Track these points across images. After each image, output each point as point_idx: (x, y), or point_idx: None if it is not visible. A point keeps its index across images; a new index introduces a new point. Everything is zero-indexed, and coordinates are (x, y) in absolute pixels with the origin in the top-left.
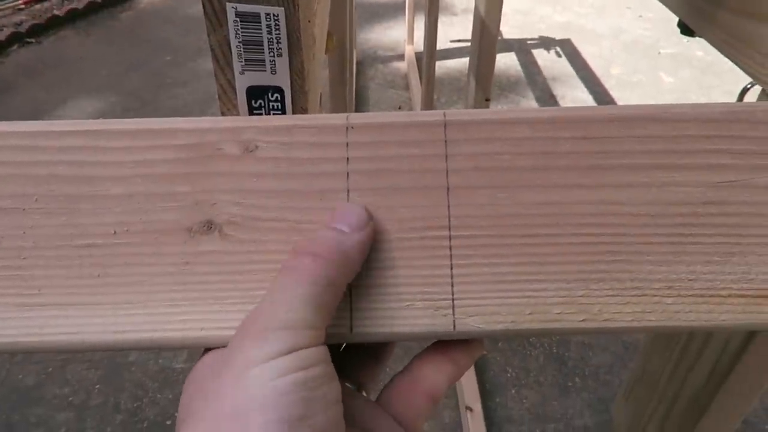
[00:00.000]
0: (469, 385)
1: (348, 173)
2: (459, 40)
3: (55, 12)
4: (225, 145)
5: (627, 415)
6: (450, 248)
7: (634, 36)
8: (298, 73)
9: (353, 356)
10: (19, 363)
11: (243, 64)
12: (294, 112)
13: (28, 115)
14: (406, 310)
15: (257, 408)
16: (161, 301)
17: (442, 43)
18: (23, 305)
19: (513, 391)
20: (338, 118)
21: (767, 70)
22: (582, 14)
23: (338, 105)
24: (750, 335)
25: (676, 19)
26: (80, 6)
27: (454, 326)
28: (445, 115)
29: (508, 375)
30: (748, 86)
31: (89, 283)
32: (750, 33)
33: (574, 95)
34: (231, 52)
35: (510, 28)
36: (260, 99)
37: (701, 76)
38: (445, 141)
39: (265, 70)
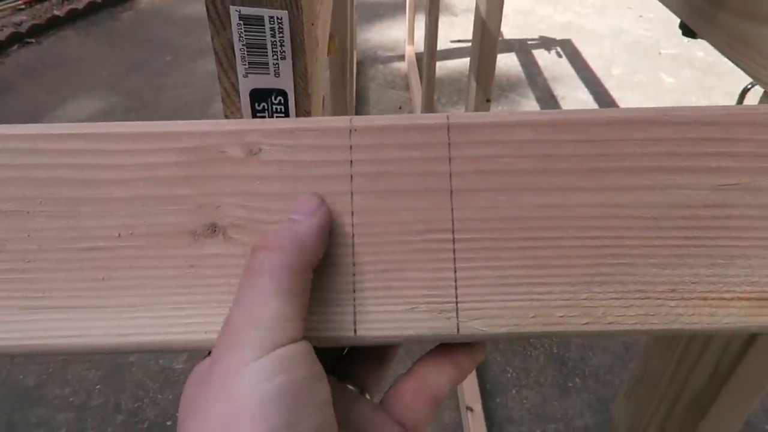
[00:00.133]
0: (469, 385)
1: (351, 176)
2: (459, 41)
3: (55, 12)
4: (228, 147)
5: (628, 415)
6: (454, 251)
7: (634, 36)
8: (301, 76)
9: (356, 359)
10: (20, 363)
11: (246, 67)
12: (297, 115)
13: (28, 115)
14: (410, 313)
15: (245, 421)
16: (165, 304)
17: (442, 44)
18: (28, 308)
19: (513, 392)
20: (342, 121)
21: None
22: (583, 14)
23: (339, 106)
24: (752, 337)
25: (677, 19)
26: (80, 6)
27: (458, 329)
28: (448, 118)
29: (509, 375)
30: (749, 87)
31: (93, 286)
32: (751, 34)
33: (575, 96)
34: (234, 55)
35: (510, 28)
36: (263, 102)
37: (702, 76)
38: (449, 144)
39: (268, 73)
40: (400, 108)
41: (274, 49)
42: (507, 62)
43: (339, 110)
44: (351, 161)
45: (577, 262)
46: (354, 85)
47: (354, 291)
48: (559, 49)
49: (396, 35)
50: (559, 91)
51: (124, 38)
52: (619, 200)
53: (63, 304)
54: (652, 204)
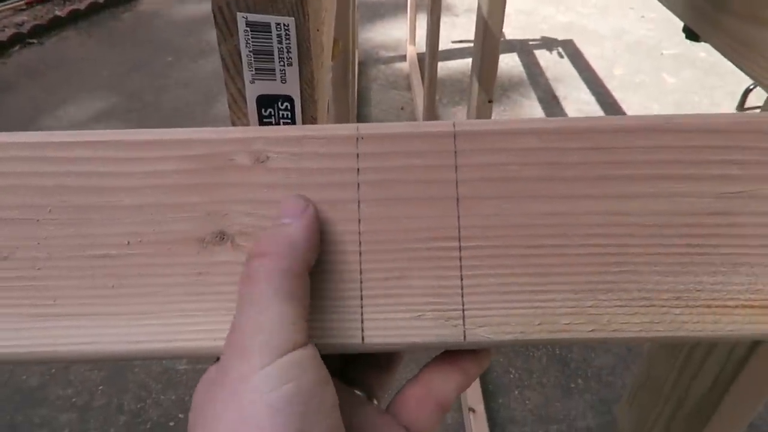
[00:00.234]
0: (472, 386)
1: (358, 184)
2: (461, 41)
3: (57, 13)
4: (236, 155)
5: (631, 420)
6: (460, 259)
7: (636, 37)
8: (307, 82)
9: (363, 365)
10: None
11: (253, 73)
12: (304, 121)
13: (30, 115)
14: (416, 320)
15: (255, 431)
16: (175, 311)
17: (444, 44)
18: (38, 315)
19: (516, 393)
20: (348, 129)
21: None
22: (584, 15)
23: (341, 107)
24: (754, 344)
25: (679, 20)
26: (82, 7)
27: (465, 336)
28: (454, 126)
29: (511, 376)
30: (751, 87)
31: (103, 293)
32: (754, 37)
33: (577, 96)
34: (241, 62)
35: (512, 28)
36: (270, 108)
37: (704, 76)
38: (455, 152)
39: (275, 79)
40: (402, 108)
41: (280, 56)
42: (509, 62)
43: (341, 111)
44: (358, 169)
45: (582, 269)
46: (356, 86)
47: (361, 298)
48: (560, 50)
49: (397, 35)
50: (560, 91)
51: (125, 39)
52: (623, 208)
53: (73, 311)
54: (657, 212)
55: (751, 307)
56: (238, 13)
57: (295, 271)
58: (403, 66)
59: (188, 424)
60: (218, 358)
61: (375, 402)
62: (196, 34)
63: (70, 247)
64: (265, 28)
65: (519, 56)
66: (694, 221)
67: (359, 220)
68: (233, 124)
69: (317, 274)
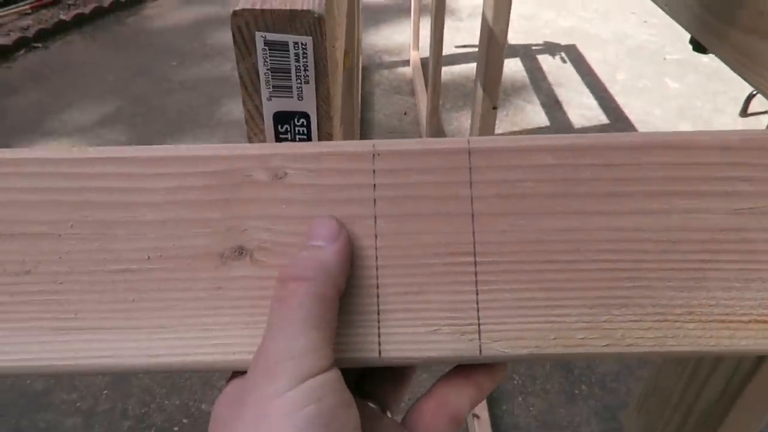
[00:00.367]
0: None
1: (375, 200)
2: (464, 46)
3: (62, 17)
4: (254, 172)
5: (639, 428)
6: (475, 274)
7: (639, 41)
8: (324, 99)
9: (377, 377)
10: None
11: (271, 90)
12: (320, 137)
13: (35, 119)
14: (433, 334)
15: None
16: (194, 325)
17: (447, 49)
18: (59, 329)
19: (520, 399)
20: (365, 146)
21: None
22: (587, 19)
23: (345, 113)
24: (761, 357)
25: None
26: (87, 11)
27: (480, 351)
28: (469, 142)
29: (515, 382)
30: (754, 93)
31: (124, 307)
32: (762, 51)
33: (580, 101)
34: (259, 80)
35: (515, 33)
36: (286, 124)
37: (707, 81)
38: (470, 168)
39: (292, 97)
40: (405, 113)
41: (297, 74)
42: (511, 67)
43: (345, 116)
44: (374, 185)
45: (596, 284)
46: (359, 91)
47: (378, 313)
48: (563, 54)
49: (400, 40)
50: (563, 96)
51: (129, 43)
52: (636, 224)
53: (94, 325)
54: (670, 228)
55: (765, 322)
56: (256, 33)
57: (328, 297)
58: (406, 71)
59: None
60: (234, 373)
61: (389, 414)
62: (200, 38)
63: (92, 262)
64: (283, 47)
65: (522, 61)
66: (706, 237)
67: (376, 236)
68: (249, 140)
69: None
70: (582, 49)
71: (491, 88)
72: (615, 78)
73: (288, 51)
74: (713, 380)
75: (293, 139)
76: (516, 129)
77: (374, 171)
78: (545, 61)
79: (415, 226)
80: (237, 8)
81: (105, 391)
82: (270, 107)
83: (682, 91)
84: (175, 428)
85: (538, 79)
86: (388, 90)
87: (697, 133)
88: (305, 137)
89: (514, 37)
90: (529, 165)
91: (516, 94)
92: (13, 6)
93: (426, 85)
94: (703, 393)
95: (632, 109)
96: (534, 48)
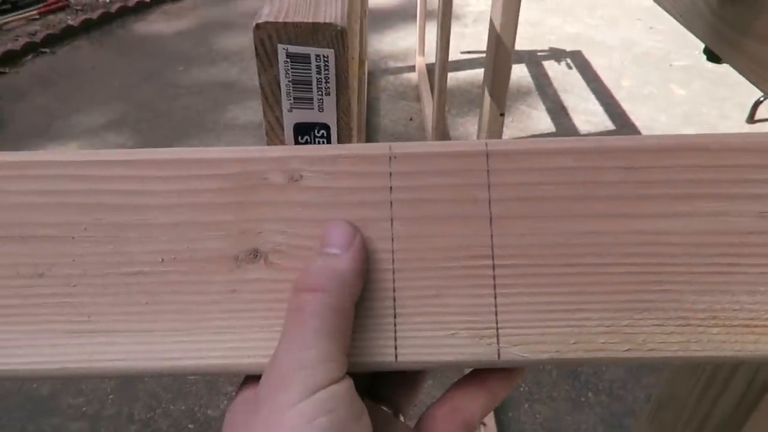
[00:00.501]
0: None
1: (391, 202)
2: (470, 52)
3: (70, 22)
4: (270, 174)
5: None
6: (494, 277)
7: (645, 48)
8: (344, 110)
9: (389, 381)
10: None
11: (291, 102)
12: None
13: (42, 124)
14: (450, 338)
15: None
16: (208, 328)
17: (453, 55)
18: (73, 332)
19: (526, 406)
20: (381, 148)
21: None
22: (592, 26)
23: None
24: None
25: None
26: (94, 16)
27: (499, 355)
28: (486, 145)
29: (521, 389)
30: (761, 99)
31: (137, 310)
32: None
33: (585, 107)
34: (280, 91)
35: (520, 39)
36: (307, 135)
37: (713, 88)
38: (488, 171)
39: (312, 108)
40: (411, 119)
41: (319, 86)
42: (517, 73)
43: None
44: (390, 188)
45: (618, 288)
46: (365, 96)
47: (395, 316)
48: (569, 61)
49: (406, 45)
50: (569, 102)
51: (136, 48)
52: (660, 227)
53: (107, 328)
54: (694, 231)
55: None
56: (279, 45)
57: (343, 307)
58: (412, 76)
59: None
60: (247, 377)
61: (401, 418)
62: (206, 43)
63: (105, 264)
64: (305, 59)
65: (527, 67)
66: (732, 240)
67: (392, 239)
68: None
69: None
70: (588, 55)
71: (498, 95)
72: (621, 84)
73: (310, 63)
74: (728, 391)
75: None
76: (522, 135)
77: (391, 174)
78: (551, 67)
79: (432, 229)
80: (260, 21)
81: (111, 396)
82: (290, 118)
83: (688, 98)
84: None
85: (543, 85)
86: (394, 95)
87: (723, 135)
88: None
89: (519, 43)
90: (548, 168)
91: (522, 99)
92: (21, 11)
93: (432, 91)
94: (718, 404)
95: (638, 115)
96: (539, 54)
